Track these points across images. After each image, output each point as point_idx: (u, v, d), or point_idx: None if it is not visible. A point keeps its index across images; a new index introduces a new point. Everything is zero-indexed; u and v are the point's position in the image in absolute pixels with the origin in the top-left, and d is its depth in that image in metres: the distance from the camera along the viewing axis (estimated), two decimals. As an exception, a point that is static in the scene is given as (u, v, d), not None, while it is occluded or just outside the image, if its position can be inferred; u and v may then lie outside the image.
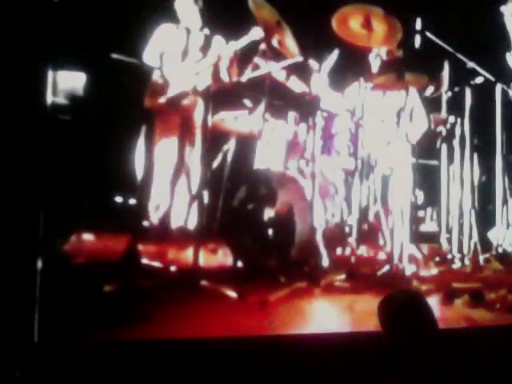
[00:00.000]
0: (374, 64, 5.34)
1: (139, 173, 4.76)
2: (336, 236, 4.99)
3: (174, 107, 4.89)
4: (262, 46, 5.00)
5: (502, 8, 5.46)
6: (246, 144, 4.99)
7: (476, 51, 5.09)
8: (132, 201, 4.77)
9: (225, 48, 4.96)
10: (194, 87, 4.90)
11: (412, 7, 5.07)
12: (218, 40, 5.02)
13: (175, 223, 4.85)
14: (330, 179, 5.12)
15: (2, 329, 3.59)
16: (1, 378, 3.48)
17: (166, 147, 4.88)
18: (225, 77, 4.97)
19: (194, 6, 4.97)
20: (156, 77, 4.89)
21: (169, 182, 4.86)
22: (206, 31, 5.03)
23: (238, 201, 4.80)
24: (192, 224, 4.77)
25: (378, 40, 5.13)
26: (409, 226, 4.93)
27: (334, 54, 5.16)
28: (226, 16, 4.85)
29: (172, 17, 4.94)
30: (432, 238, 5.30)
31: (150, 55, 4.85)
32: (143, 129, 4.80)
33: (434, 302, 3.04)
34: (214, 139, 4.87)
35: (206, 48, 5.00)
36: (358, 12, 5.06)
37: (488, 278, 4.98)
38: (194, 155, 4.93)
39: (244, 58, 4.96)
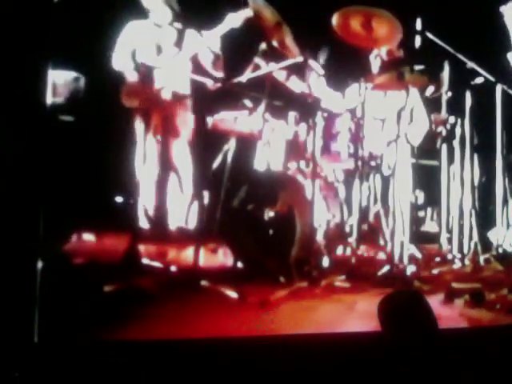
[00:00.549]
0: (375, 64, 5.34)
1: (138, 172, 4.78)
2: (336, 236, 4.98)
3: (155, 104, 4.86)
4: (263, 46, 4.99)
5: (502, 8, 5.45)
6: (246, 144, 4.99)
7: (476, 51, 5.09)
8: (131, 200, 4.78)
9: (201, 39, 4.92)
10: (174, 84, 4.88)
11: (412, 7, 5.07)
12: (191, 33, 4.96)
13: (174, 223, 4.85)
14: (331, 179, 5.12)
15: (2, 329, 3.59)
16: (1, 378, 3.48)
17: (152, 146, 4.87)
18: (210, 70, 4.94)
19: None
20: (130, 76, 4.86)
21: (156, 182, 4.85)
22: (178, 25, 4.97)
23: (239, 201, 4.80)
24: (191, 224, 4.77)
25: (378, 40, 5.12)
26: (409, 226, 4.93)
27: (325, 52, 5.15)
28: (197, 7, 4.81)
29: (140, 12, 4.87)
30: (432, 239, 5.29)
31: (120, 54, 4.80)
32: (141, 128, 4.81)
33: (433, 301, 3.03)
34: (214, 139, 4.87)
35: (180, 42, 4.95)
36: (358, 12, 5.06)
37: (488, 278, 4.97)
38: (182, 154, 4.92)
39: (227, 48, 4.91)
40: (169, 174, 4.91)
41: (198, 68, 4.95)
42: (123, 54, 4.80)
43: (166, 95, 4.89)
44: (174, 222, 4.85)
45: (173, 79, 4.90)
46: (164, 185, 4.88)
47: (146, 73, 4.85)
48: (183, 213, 4.84)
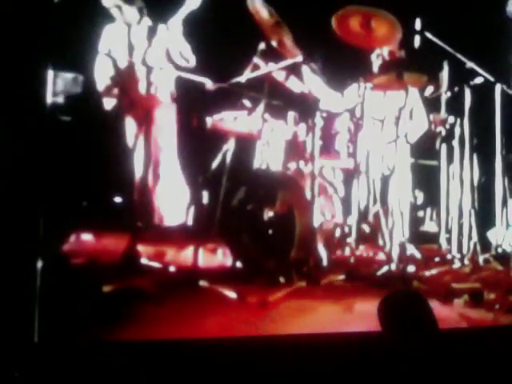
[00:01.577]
0: (376, 64, 5.33)
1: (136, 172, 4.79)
2: (336, 236, 4.98)
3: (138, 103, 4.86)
4: (262, 46, 5.00)
5: (508, 8, 5.45)
6: (246, 144, 4.99)
7: (476, 51, 5.09)
8: (130, 200, 4.78)
9: (166, 30, 4.89)
10: (155, 80, 4.88)
11: (411, 7, 5.07)
12: (162, 28, 4.92)
13: (170, 221, 4.84)
14: (330, 179, 5.12)
15: (2, 329, 3.60)
16: (1, 378, 3.49)
17: (141, 145, 4.87)
18: (179, 60, 4.91)
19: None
20: (107, 78, 4.82)
21: (145, 179, 4.85)
22: (148, 22, 4.93)
23: (238, 201, 4.80)
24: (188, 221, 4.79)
25: (377, 40, 5.13)
26: (408, 226, 4.93)
27: (322, 53, 5.17)
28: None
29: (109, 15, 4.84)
30: (432, 239, 5.29)
31: (98, 60, 4.76)
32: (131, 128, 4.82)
33: (433, 301, 3.04)
34: (214, 139, 4.88)
35: (151, 38, 4.91)
36: (357, 12, 5.06)
37: (487, 278, 4.97)
38: (165, 150, 4.91)
39: (226, 48, 4.89)
40: (158, 172, 4.91)
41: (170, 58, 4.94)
42: (100, 58, 4.78)
43: (148, 92, 4.88)
44: (168, 220, 4.84)
45: (151, 75, 4.88)
46: (152, 183, 4.87)
47: (122, 72, 4.84)
48: (176, 211, 4.84)
